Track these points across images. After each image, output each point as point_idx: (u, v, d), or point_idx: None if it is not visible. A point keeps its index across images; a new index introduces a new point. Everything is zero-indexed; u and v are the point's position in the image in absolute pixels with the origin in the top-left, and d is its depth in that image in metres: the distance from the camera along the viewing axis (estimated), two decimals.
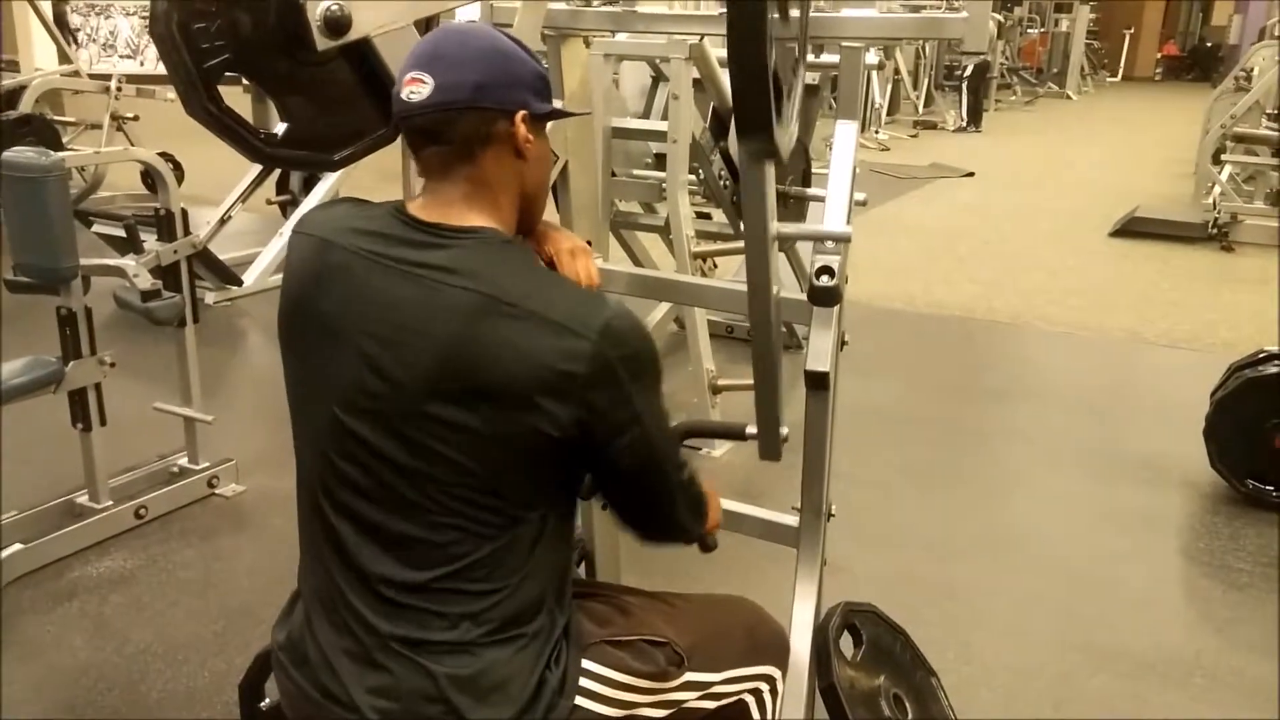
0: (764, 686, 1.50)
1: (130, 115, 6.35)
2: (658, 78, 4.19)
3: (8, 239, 2.65)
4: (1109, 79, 22.96)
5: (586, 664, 1.29)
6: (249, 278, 5.31)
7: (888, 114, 12.95)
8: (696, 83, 3.54)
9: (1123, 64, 23.90)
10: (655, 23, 2.03)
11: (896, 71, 13.31)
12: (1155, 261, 6.66)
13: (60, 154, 2.68)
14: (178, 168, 6.02)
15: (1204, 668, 2.48)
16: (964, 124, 13.47)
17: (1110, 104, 17.90)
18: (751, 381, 1.68)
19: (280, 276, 1.35)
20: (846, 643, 1.78)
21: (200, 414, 3.19)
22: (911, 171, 9.78)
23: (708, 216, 4.41)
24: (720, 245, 4.02)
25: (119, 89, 6.20)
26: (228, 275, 5.20)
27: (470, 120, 1.21)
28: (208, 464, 3.22)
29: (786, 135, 1.32)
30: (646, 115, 4.22)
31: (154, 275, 3.07)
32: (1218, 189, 7.42)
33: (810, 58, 3.74)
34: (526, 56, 1.27)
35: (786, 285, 1.62)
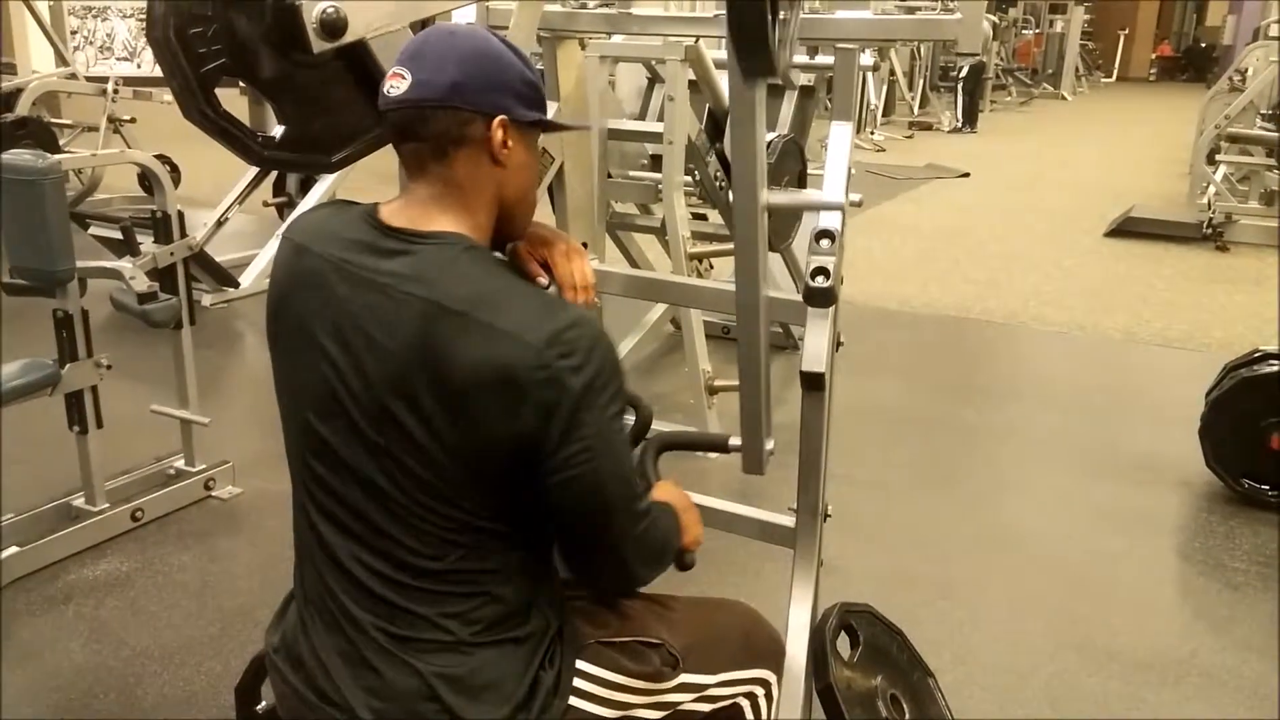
0: (759, 691, 1.49)
1: (127, 118, 6.35)
2: (653, 79, 4.19)
3: (4, 242, 2.66)
4: (1104, 80, 23.00)
5: (581, 665, 1.30)
6: (246, 279, 5.31)
7: (883, 115, 12.97)
8: (692, 84, 3.54)
9: (1117, 65, 23.93)
10: (650, 25, 2.04)
11: (892, 73, 13.32)
12: (1150, 261, 6.68)
13: (57, 156, 2.68)
14: (174, 170, 6.01)
15: (1200, 667, 2.48)
16: (959, 125, 13.49)
17: (1105, 105, 17.93)
18: None
19: None
20: (843, 643, 1.79)
21: (197, 416, 3.19)
22: (907, 172, 9.79)
23: (704, 218, 4.42)
24: (716, 246, 4.02)
25: (116, 91, 6.21)
26: (224, 277, 5.20)
27: (444, 119, 1.20)
28: (204, 466, 3.21)
29: (784, 56, 1.30)
30: (642, 117, 4.22)
31: (150, 277, 3.07)
32: (1212, 189, 7.44)
33: (805, 59, 3.76)
34: (515, 61, 1.25)
35: (783, 287, 1.63)
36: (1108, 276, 6.30)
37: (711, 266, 4.62)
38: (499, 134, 1.22)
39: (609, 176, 3.83)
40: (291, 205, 5.91)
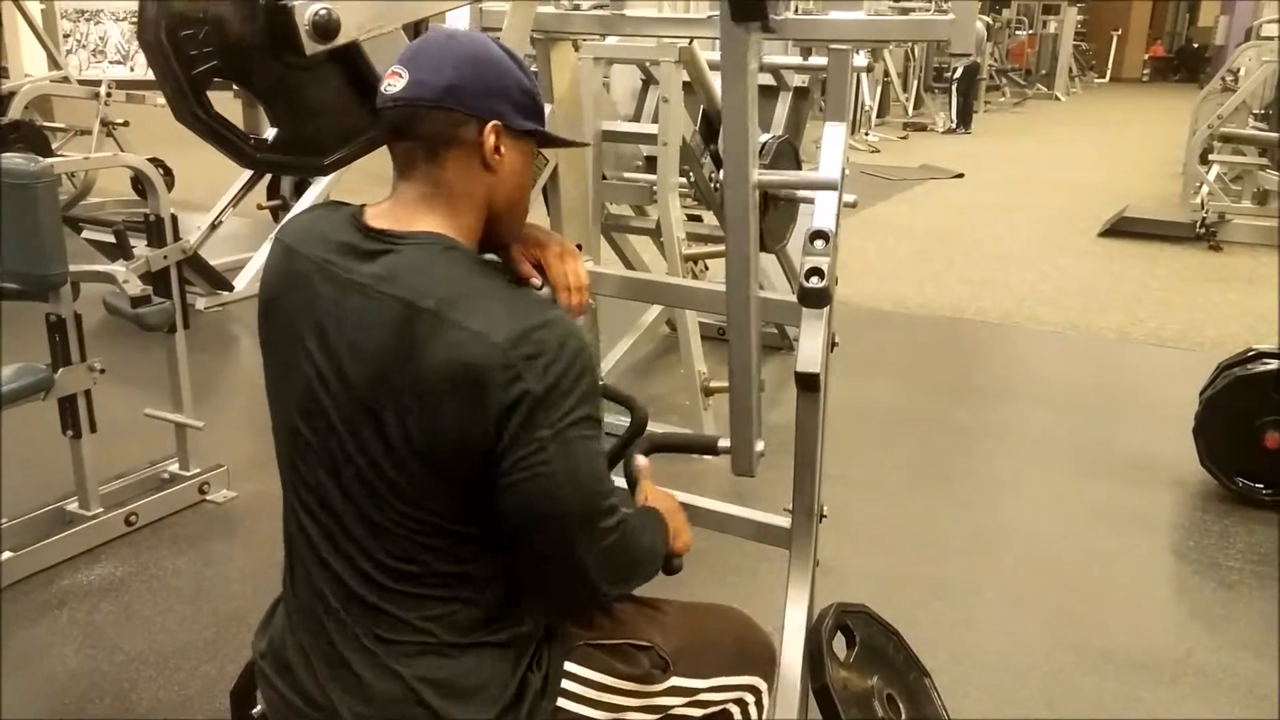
0: (749, 698, 1.48)
1: (120, 121, 6.34)
2: (648, 81, 4.19)
3: None
4: (1097, 80, 23.07)
5: (569, 666, 1.29)
6: (240, 283, 5.30)
7: (878, 116, 12.99)
8: (686, 86, 3.54)
9: (1110, 65, 24.00)
10: (644, 26, 2.03)
11: (886, 74, 13.35)
12: (1144, 261, 6.69)
13: (49, 160, 2.67)
14: (168, 173, 6.01)
15: (1195, 666, 2.49)
16: (954, 126, 13.52)
17: (1098, 105, 17.97)
18: None
19: None
20: (840, 644, 1.79)
21: (191, 420, 3.18)
22: (901, 173, 9.80)
23: (698, 219, 4.42)
24: (711, 248, 4.02)
25: (109, 95, 6.19)
26: (218, 280, 5.19)
27: (437, 119, 1.20)
28: (199, 470, 3.20)
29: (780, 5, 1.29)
30: (637, 118, 4.22)
31: (144, 281, 3.06)
32: (1205, 189, 7.46)
33: (799, 60, 3.76)
34: (514, 69, 1.24)
35: (778, 288, 1.63)
36: (1102, 276, 6.31)
37: (707, 268, 4.62)
38: (491, 139, 1.21)
39: (604, 178, 3.83)
40: (286, 208, 5.90)
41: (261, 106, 1.59)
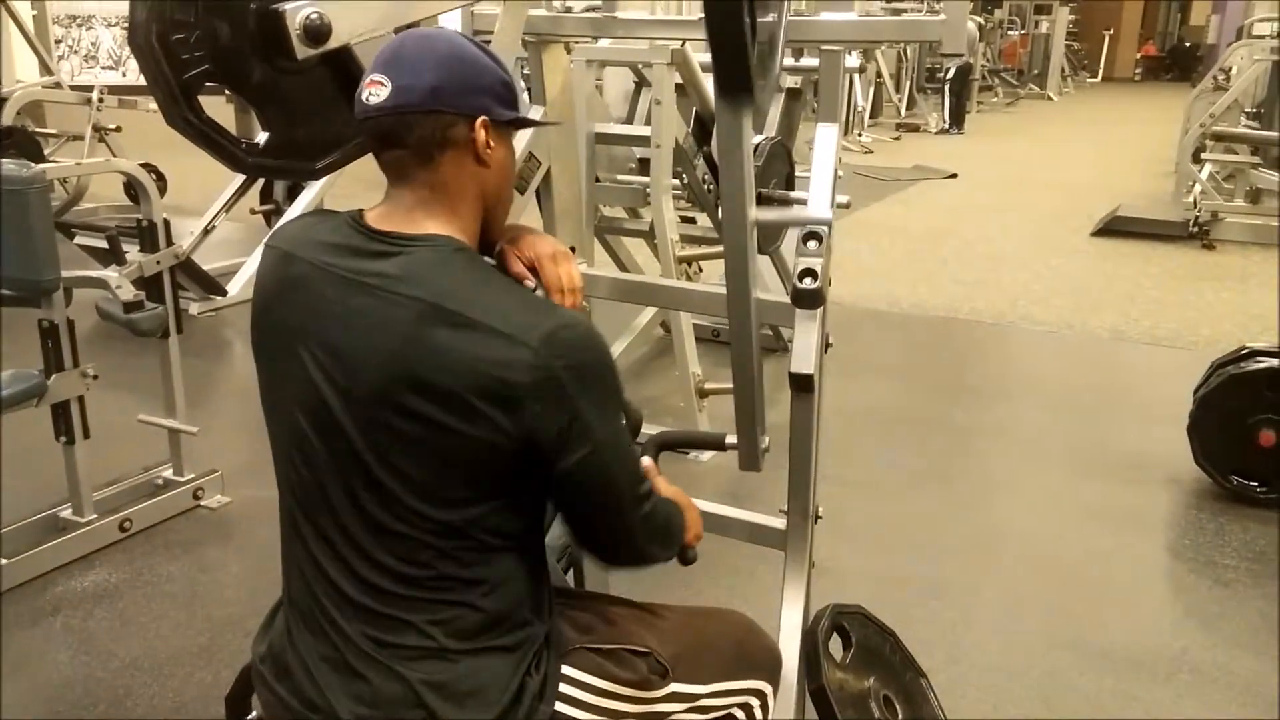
0: (754, 701, 1.47)
1: (113, 126, 6.32)
2: (640, 83, 4.20)
3: None
4: (1089, 80, 23.10)
5: (567, 670, 1.29)
6: (233, 287, 5.28)
7: (870, 117, 13.00)
8: (679, 88, 3.54)
9: (1103, 65, 24.04)
10: (636, 28, 2.04)
11: (878, 74, 13.36)
12: (1137, 260, 6.70)
13: (41, 166, 2.66)
14: (160, 178, 5.99)
15: (1191, 664, 2.49)
16: (946, 126, 13.53)
17: (1091, 104, 18.01)
18: None
19: None
20: (836, 645, 1.79)
21: (185, 425, 3.17)
22: (895, 174, 9.81)
23: (692, 221, 4.42)
24: (705, 249, 4.02)
25: (101, 100, 6.18)
26: (211, 285, 5.17)
27: (428, 124, 1.20)
28: (193, 475, 3.20)
29: (767, 87, 1.31)
30: (630, 120, 4.22)
31: (137, 286, 3.06)
32: (1198, 187, 7.48)
33: (790, 61, 3.76)
34: (490, 62, 1.25)
35: (771, 289, 1.63)
36: (1095, 275, 6.32)
37: (701, 269, 4.62)
38: (482, 134, 1.22)
39: (597, 180, 3.83)
40: (279, 212, 5.89)
41: (253, 111, 1.59)
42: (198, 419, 3.26)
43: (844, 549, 2.87)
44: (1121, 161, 11.10)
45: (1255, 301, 5.67)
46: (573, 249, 1.72)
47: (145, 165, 3.46)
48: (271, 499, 1.31)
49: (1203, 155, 7.62)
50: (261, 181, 5.87)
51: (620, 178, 3.98)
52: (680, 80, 3.50)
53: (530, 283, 1.36)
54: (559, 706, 1.27)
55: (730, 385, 1.76)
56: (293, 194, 5.84)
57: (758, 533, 1.91)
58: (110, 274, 3.07)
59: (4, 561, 2.70)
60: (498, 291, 1.20)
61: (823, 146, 1.78)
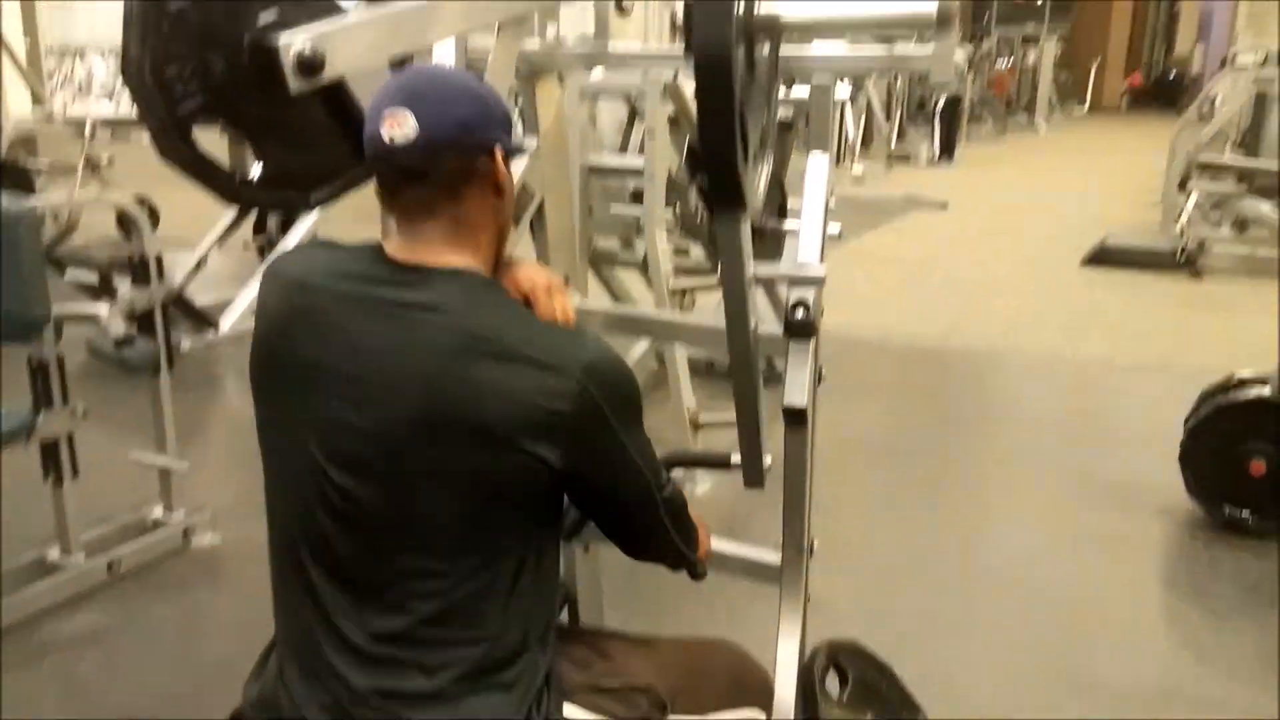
0: None
1: (105, 159, 6.32)
2: (633, 114, 4.22)
3: None
4: (1077, 109, 23.32)
5: (569, 710, 1.27)
6: (226, 321, 5.27)
7: (861, 147, 13.08)
8: (672, 119, 3.56)
9: (1090, 94, 24.26)
10: (629, 60, 2.04)
11: (869, 105, 13.46)
12: (1126, 289, 6.73)
13: (32, 200, 2.66)
14: (153, 212, 5.99)
15: (1186, 697, 2.47)
16: (937, 156, 13.62)
17: (1079, 134, 18.16)
18: (732, 417, 1.68)
19: None
20: (832, 680, 1.77)
21: (175, 462, 3.14)
22: (886, 203, 9.85)
23: (686, 252, 4.43)
24: (698, 280, 4.02)
25: (94, 132, 6.19)
26: (204, 320, 5.16)
27: (455, 158, 1.20)
28: (183, 514, 3.15)
29: (757, 199, 1.33)
30: (623, 151, 4.24)
31: (128, 321, 3.04)
32: (1185, 216, 7.52)
33: (781, 92, 3.77)
34: (497, 95, 1.29)
35: (764, 319, 1.63)
36: (1085, 304, 6.34)
37: (694, 301, 4.63)
38: (501, 165, 1.24)
39: (590, 212, 3.83)
40: (272, 245, 5.89)
41: (247, 143, 1.58)
42: (189, 455, 3.24)
43: (837, 581, 2.85)
44: (1109, 190, 11.17)
45: (1244, 330, 5.69)
46: (566, 280, 1.72)
47: (138, 198, 3.45)
48: (263, 537, 1.30)
49: (1189, 184, 7.68)
50: (255, 213, 5.87)
51: (614, 209, 3.99)
52: (673, 112, 3.52)
53: None
54: None
55: (725, 417, 1.75)
56: (286, 226, 5.85)
57: (752, 568, 1.89)
58: (101, 309, 3.06)
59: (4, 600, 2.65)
60: (529, 323, 1.23)
61: (814, 176, 1.78)
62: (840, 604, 2.73)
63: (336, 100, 1.59)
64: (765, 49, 1.42)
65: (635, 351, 4.22)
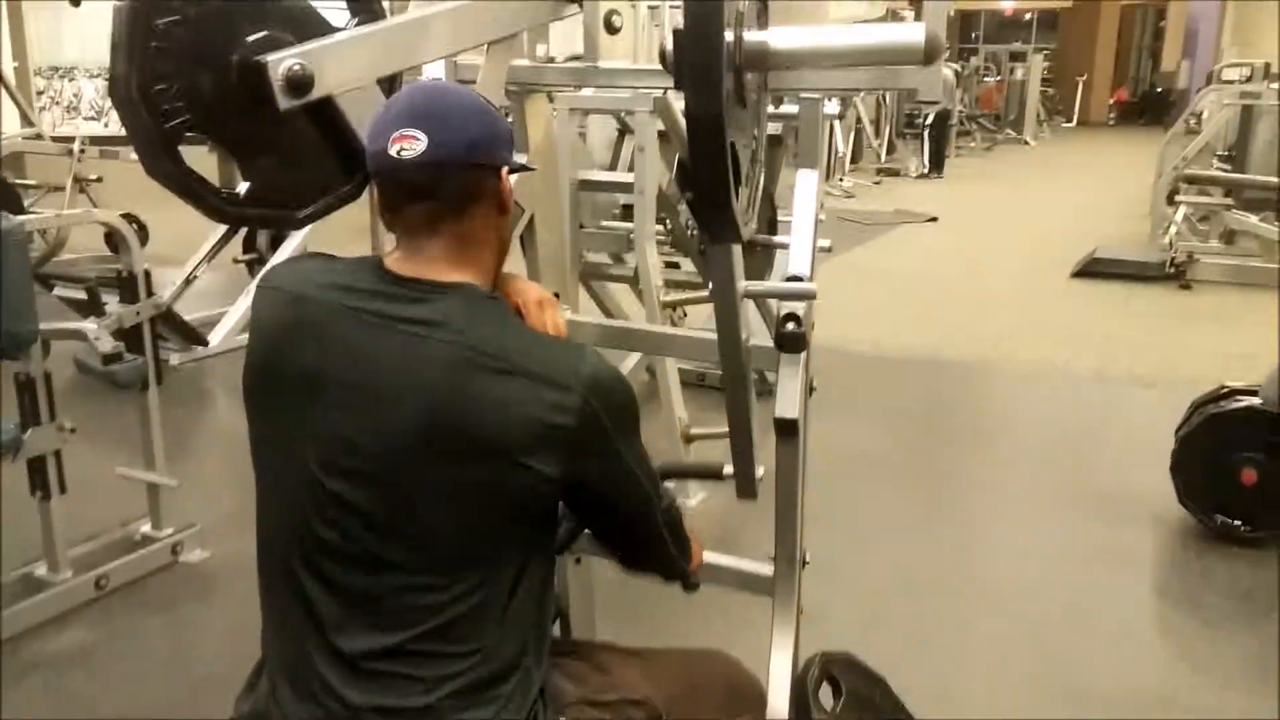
0: None
1: (94, 177, 6.32)
2: (623, 130, 4.23)
3: None
4: (1065, 124, 23.49)
5: None
6: (215, 337, 5.26)
7: (851, 162, 13.14)
8: (662, 134, 3.57)
9: (1077, 110, 24.46)
10: (618, 78, 2.04)
11: (858, 120, 13.53)
12: (1116, 301, 6.76)
13: (20, 217, 2.65)
14: (142, 228, 5.98)
15: (1181, 706, 2.47)
16: (926, 170, 13.69)
17: (1066, 148, 18.28)
18: (724, 430, 1.68)
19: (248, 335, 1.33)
20: (826, 693, 1.76)
21: (163, 478, 3.13)
22: (876, 218, 9.90)
23: (676, 266, 4.44)
24: (689, 294, 4.03)
25: (82, 151, 6.18)
26: (193, 336, 5.15)
27: (465, 176, 1.21)
28: (171, 530, 3.14)
29: (749, 222, 1.34)
30: (613, 167, 4.25)
31: (117, 337, 3.03)
32: (1173, 229, 7.57)
33: (771, 109, 3.79)
34: (499, 113, 1.30)
35: (755, 332, 1.63)
36: (1076, 316, 6.37)
37: (685, 314, 4.63)
38: (507, 183, 1.26)
39: (581, 227, 3.84)
40: (262, 261, 5.89)
41: (235, 161, 1.58)
42: (177, 471, 3.22)
43: (830, 593, 2.85)
44: (1098, 204, 11.24)
45: (1233, 341, 5.71)
46: (556, 295, 1.72)
47: (126, 215, 3.44)
48: (251, 552, 1.29)
49: (1177, 198, 7.73)
50: (245, 230, 5.87)
51: (604, 224, 3.99)
52: (663, 127, 3.53)
53: None
54: None
55: (716, 430, 1.76)
56: (276, 243, 5.84)
57: (746, 580, 1.89)
58: (89, 326, 3.05)
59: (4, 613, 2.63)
60: (529, 337, 1.25)
61: (804, 191, 1.79)
62: (833, 615, 2.73)
63: (325, 118, 1.59)
64: (754, 78, 1.43)
65: (626, 365, 4.22)
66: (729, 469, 1.78)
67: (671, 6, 6.44)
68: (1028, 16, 29.79)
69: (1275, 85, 8.04)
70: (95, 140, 6.44)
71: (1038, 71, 19.63)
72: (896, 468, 3.95)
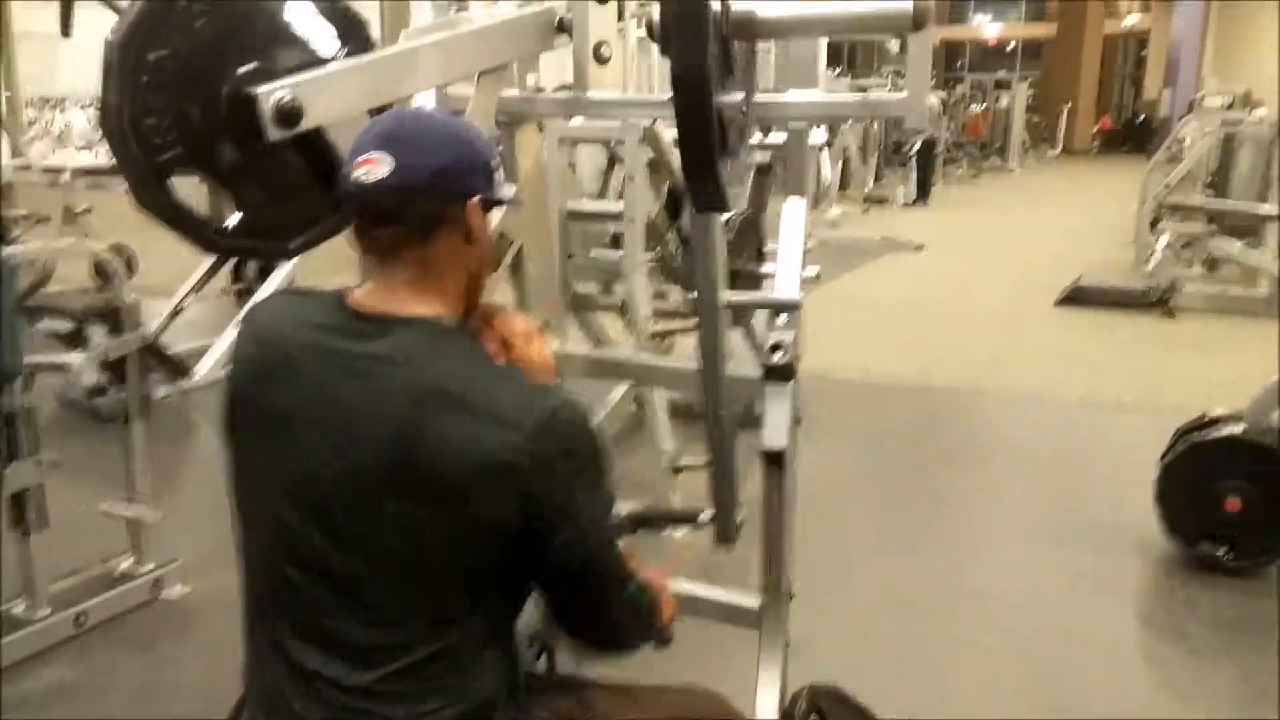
0: None
1: (83, 208, 6.32)
2: (613, 160, 4.25)
3: None
4: (1049, 152, 23.69)
5: None
6: (201, 369, 5.21)
7: (839, 190, 13.22)
8: (651, 164, 3.59)
9: (1061, 137, 24.69)
10: (607, 108, 2.07)
11: (845, 149, 13.62)
12: (1101, 328, 6.80)
13: (7, 249, 2.64)
14: (130, 260, 5.97)
15: None
16: (913, 198, 13.79)
17: (1051, 176, 18.44)
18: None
19: None
20: None
21: (146, 514, 3.07)
22: (864, 245, 9.95)
23: (665, 296, 4.45)
24: (678, 324, 4.04)
25: (71, 182, 6.18)
26: (179, 368, 5.11)
27: (427, 203, 1.20)
28: (153, 566, 3.08)
29: (736, 189, 1.34)
30: (602, 196, 4.27)
31: (102, 370, 3.00)
32: (1157, 256, 7.62)
33: (758, 138, 3.82)
34: (483, 143, 1.27)
35: (743, 362, 1.64)
36: (1061, 343, 6.40)
37: (674, 344, 4.63)
38: (475, 215, 1.23)
39: (570, 256, 3.85)
40: (251, 292, 5.87)
41: (226, 192, 1.59)
42: (161, 504, 3.18)
43: (817, 623, 2.84)
44: (1082, 231, 11.33)
45: (1217, 368, 5.75)
46: (545, 325, 1.73)
47: (115, 246, 3.45)
48: (233, 589, 1.28)
49: (1160, 225, 7.80)
50: (233, 260, 5.86)
51: (593, 253, 4.01)
52: (652, 156, 3.55)
53: (501, 361, 1.35)
54: None
55: (705, 460, 1.75)
56: (265, 274, 5.82)
57: (732, 613, 1.89)
58: (73, 359, 3.02)
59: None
60: (490, 374, 1.20)
61: (791, 219, 1.81)
62: (820, 647, 2.72)
63: (315, 149, 1.60)
64: (742, 48, 1.43)
65: (614, 395, 4.22)
66: (707, 513, 1.75)
67: None
68: (1012, 46, 30.17)
69: (1256, 113, 8.16)
70: (85, 171, 6.44)
71: (1022, 100, 19.85)
72: (884, 495, 3.95)
